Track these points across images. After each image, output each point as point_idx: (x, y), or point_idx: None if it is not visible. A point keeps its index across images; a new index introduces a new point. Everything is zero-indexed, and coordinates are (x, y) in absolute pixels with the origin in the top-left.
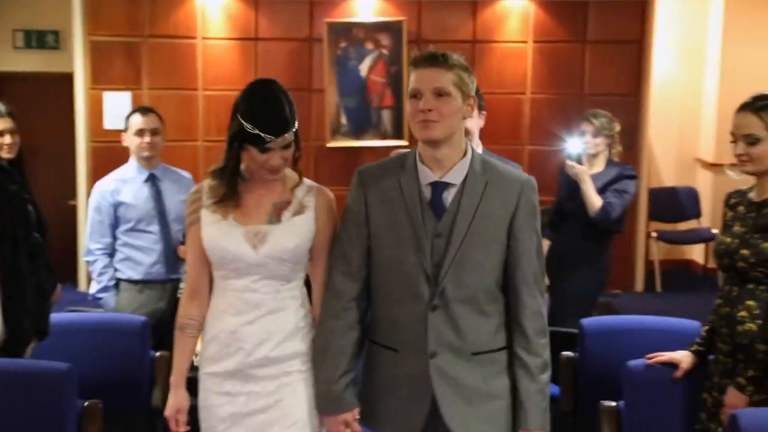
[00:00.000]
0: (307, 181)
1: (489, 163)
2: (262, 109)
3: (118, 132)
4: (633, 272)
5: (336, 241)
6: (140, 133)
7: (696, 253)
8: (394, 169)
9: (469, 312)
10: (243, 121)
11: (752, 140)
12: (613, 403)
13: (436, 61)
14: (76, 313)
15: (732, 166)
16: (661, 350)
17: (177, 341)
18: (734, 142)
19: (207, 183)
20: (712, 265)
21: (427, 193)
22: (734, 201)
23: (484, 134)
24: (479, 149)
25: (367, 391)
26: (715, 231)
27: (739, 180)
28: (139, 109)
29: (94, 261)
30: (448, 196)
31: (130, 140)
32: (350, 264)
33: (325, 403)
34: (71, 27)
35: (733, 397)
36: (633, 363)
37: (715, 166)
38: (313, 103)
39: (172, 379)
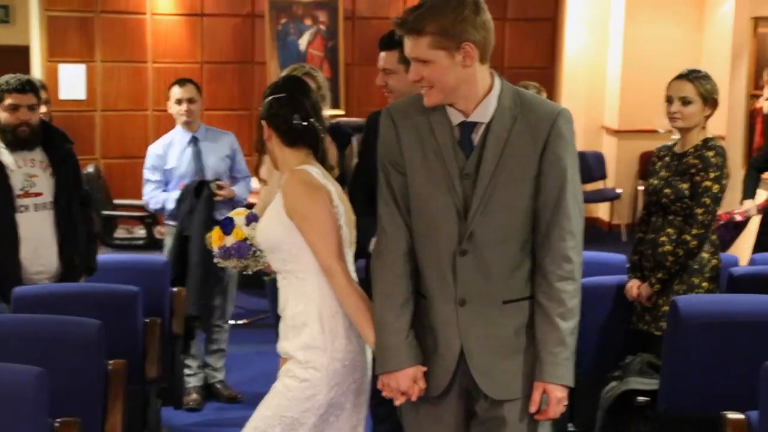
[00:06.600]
0: (299, 168)
1: (522, 96)
2: None
3: (74, 102)
4: None
5: (378, 187)
6: (179, 102)
7: (602, 211)
8: (423, 108)
9: (501, 257)
10: None
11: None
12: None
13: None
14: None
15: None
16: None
17: None
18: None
19: None
20: (616, 221)
21: (457, 133)
22: (663, 153)
23: None
24: None
25: None
26: (619, 191)
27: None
28: (178, 81)
29: (153, 197)
30: (476, 136)
31: (172, 108)
32: (395, 207)
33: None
34: (26, 1)
35: (644, 289)
36: None
37: (618, 133)
38: (256, 75)
39: None
